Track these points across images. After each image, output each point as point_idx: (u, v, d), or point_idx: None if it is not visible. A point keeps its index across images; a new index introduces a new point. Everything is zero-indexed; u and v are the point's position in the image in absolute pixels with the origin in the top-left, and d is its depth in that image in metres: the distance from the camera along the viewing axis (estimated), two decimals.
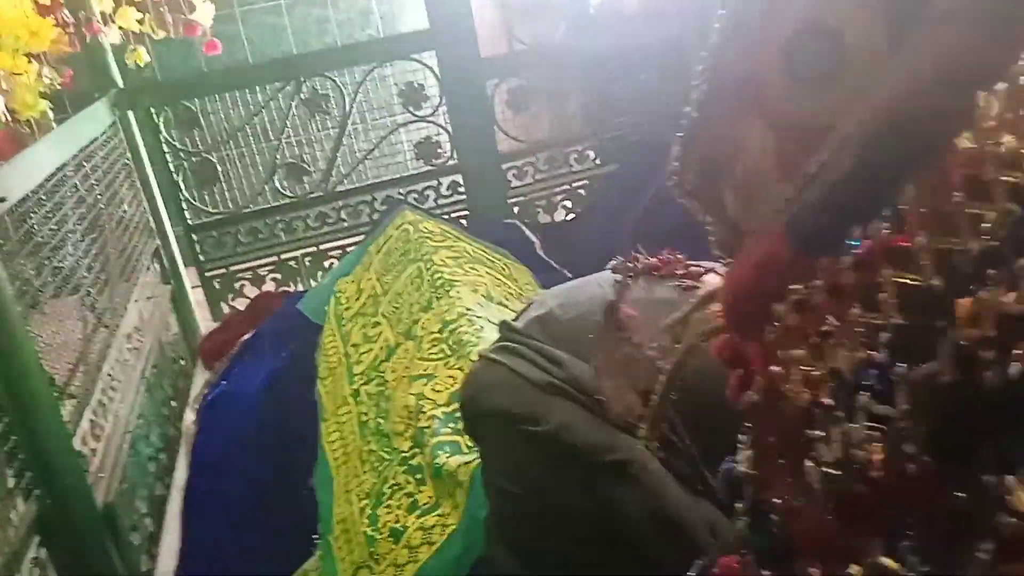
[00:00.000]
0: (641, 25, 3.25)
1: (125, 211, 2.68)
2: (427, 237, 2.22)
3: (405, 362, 1.72)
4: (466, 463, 1.26)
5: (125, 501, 2.00)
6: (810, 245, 0.59)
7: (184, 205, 3.17)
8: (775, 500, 0.65)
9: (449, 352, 1.60)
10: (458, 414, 1.43)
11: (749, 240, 0.67)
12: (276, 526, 1.90)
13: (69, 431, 1.66)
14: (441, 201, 3.30)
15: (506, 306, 1.83)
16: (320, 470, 1.75)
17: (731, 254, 0.72)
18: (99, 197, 2.41)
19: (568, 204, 3.44)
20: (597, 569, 0.88)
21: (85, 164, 2.35)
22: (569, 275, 2.61)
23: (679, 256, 0.96)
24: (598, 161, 3.43)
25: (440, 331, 1.69)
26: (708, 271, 0.95)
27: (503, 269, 2.27)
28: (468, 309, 1.71)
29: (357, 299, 2.23)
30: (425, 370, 1.60)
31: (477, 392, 0.99)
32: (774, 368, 0.63)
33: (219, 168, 3.19)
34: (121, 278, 2.44)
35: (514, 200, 3.37)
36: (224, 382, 2.61)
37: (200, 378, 2.85)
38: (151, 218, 3.01)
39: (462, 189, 3.31)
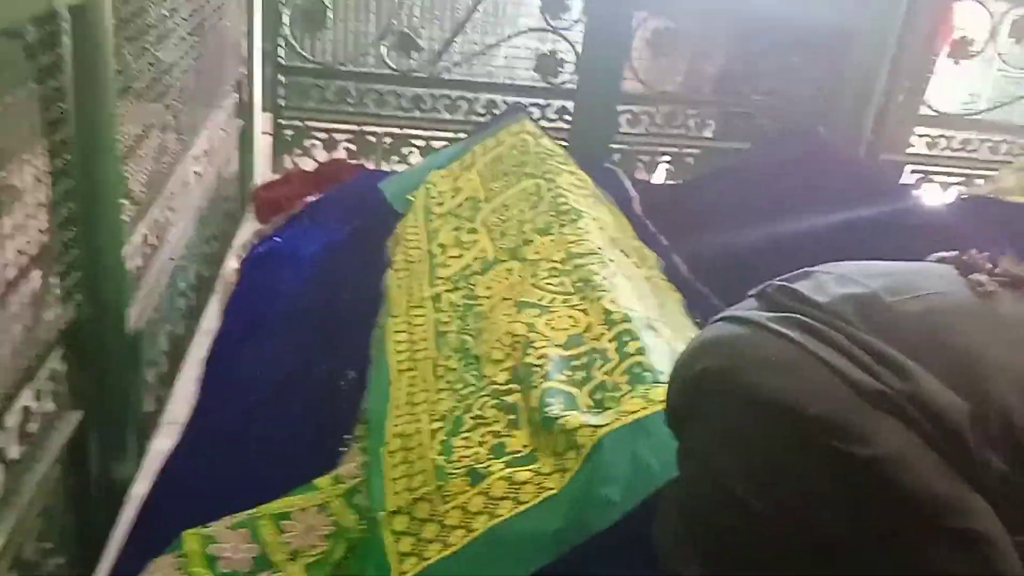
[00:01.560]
0: (816, 5, 2.95)
1: (227, 26, 2.45)
2: (549, 155, 1.98)
3: (509, 283, 1.50)
4: (592, 426, 1.05)
5: (151, 333, 1.82)
6: None
7: (281, 43, 2.94)
8: None
9: (572, 289, 1.38)
10: (577, 362, 1.23)
11: None
12: (303, 413, 1.69)
13: (122, 238, 1.47)
14: (544, 123, 3.05)
15: (629, 258, 1.61)
16: (377, 371, 1.53)
17: None
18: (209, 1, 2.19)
19: (670, 168, 3.19)
20: None
21: None
22: (664, 242, 2.38)
23: None
24: (715, 134, 3.18)
25: (563, 262, 1.47)
26: None
27: (615, 214, 2.04)
28: (599, 247, 1.49)
29: (453, 197, 2.00)
30: (540, 300, 1.38)
31: (743, 366, 0.68)
32: None
33: (330, 15, 2.94)
34: (204, 98, 2.23)
35: (617, 147, 3.13)
36: (277, 239, 2.40)
37: (248, 226, 2.65)
38: (245, 45, 2.77)
39: (569, 117, 3.07)
